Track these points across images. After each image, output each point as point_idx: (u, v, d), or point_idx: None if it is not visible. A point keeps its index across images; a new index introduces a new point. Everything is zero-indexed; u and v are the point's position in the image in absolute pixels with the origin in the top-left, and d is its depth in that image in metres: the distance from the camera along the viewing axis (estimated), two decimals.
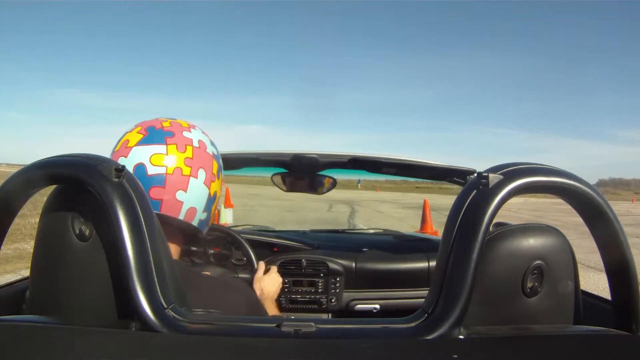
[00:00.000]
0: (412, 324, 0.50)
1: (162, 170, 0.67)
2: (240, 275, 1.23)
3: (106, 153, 0.70)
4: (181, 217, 0.69)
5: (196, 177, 0.70)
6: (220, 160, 0.77)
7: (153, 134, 0.69)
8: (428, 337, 0.48)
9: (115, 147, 0.70)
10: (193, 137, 0.72)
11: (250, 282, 1.14)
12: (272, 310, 1.07)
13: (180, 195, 0.68)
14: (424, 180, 1.53)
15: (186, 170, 0.69)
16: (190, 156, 0.70)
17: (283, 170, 1.46)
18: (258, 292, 1.10)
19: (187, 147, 0.70)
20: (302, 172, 1.46)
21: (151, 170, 0.67)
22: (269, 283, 1.13)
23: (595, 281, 3.85)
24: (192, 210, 0.70)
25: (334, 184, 1.49)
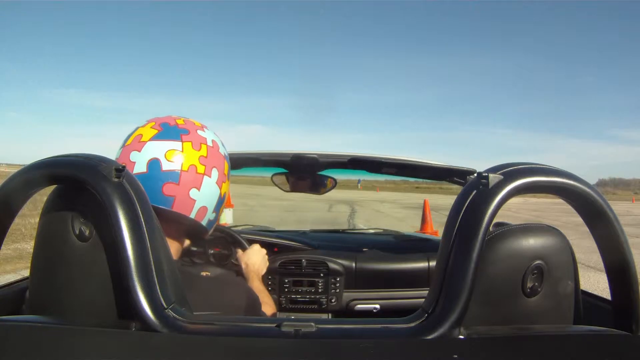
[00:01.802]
0: (412, 324, 0.50)
1: (177, 167, 0.67)
2: (239, 276, 1.22)
3: (106, 153, 0.69)
4: (192, 215, 0.69)
5: (210, 176, 0.70)
6: (229, 162, 0.77)
7: (168, 130, 0.69)
8: (428, 337, 0.48)
9: (126, 141, 0.69)
10: (207, 136, 0.72)
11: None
12: (257, 285, 1.05)
13: (193, 193, 0.68)
14: (424, 180, 1.53)
15: (200, 169, 0.69)
16: (205, 155, 0.70)
17: (283, 170, 1.46)
18: (243, 267, 1.11)
19: (202, 145, 0.70)
20: (303, 172, 1.46)
21: (166, 165, 0.66)
22: (252, 255, 1.14)
23: (595, 281, 3.85)
24: (203, 210, 0.70)
25: (334, 184, 1.49)
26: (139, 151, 0.67)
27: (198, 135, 0.71)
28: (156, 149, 0.67)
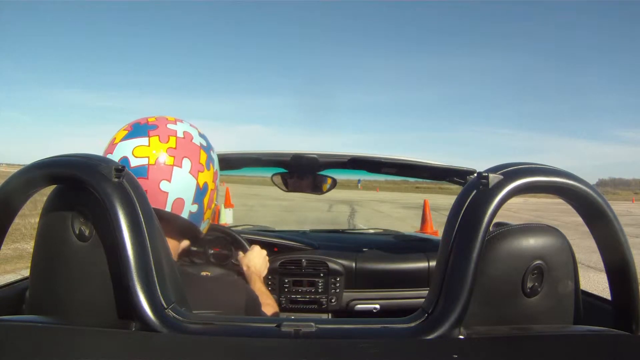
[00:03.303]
0: (412, 324, 0.50)
1: (144, 162, 0.67)
2: (239, 276, 1.23)
3: None
4: (168, 208, 0.69)
5: (180, 167, 0.69)
6: (212, 153, 0.77)
7: (137, 129, 0.70)
8: (428, 337, 0.48)
9: (105, 148, 0.71)
10: (178, 128, 0.72)
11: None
12: (258, 287, 1.06)
13: (164, 185, 0.68)
14: (424, 180, 1.53)
15: (169, 160, 0.68)
16: (174, 146, 0.70)
17: (283, 170, 1.46)
18: (245, 269, 1.12)
19: (170, 137, 0.70)
20: (302, 172, 1.46)
21: (134, 162, 0.67)
22: (253, 257, 1.15)
23: (595, 281, 3.85)
24: (179, 202, 0.69)
25: (334, 184, 1.49)
26: (112, 153, 0.68)
27: (167, 129, 0.71)
28: (125, 148, 0.68)
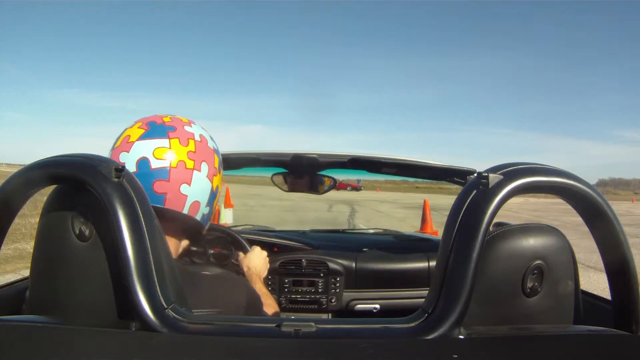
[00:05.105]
0: (412, 324, 0.50)
1: (165, 164, 0.67)
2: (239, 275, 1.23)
3: (106, 153, 0.69)
4: (185, 211, 0.69)
5: (199, 171, 0.70)
6: (220, 156, 0.77)
7: (155, 129, 0.69)
8: (428, 337, 0.48)
9: (115, 144, 0.70)
10: (194, 131, 0.72)
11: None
12: (259, 287, 1.06)
13: (184, 188, 0.68)
14: (424, 180, 1.53)
15: (190, 164, 0.69)
16: (193, 150, 0.70)
17: (283, 170, 1.46)
18: (245, 270, 1.12)
19: (190, 140, 0.70)
20: (302, 172, 1.46)
21: (155, 164, 0.67)
22: (254, 258, 1.15)
23: (595, 281, 3.85)
24: (196, 204, 0.70)
25: (334, 183, 1.49)
26: (128, 152, 0.67)
27: (185, 131, 0.71)
28: (144, 148, 0.67)
